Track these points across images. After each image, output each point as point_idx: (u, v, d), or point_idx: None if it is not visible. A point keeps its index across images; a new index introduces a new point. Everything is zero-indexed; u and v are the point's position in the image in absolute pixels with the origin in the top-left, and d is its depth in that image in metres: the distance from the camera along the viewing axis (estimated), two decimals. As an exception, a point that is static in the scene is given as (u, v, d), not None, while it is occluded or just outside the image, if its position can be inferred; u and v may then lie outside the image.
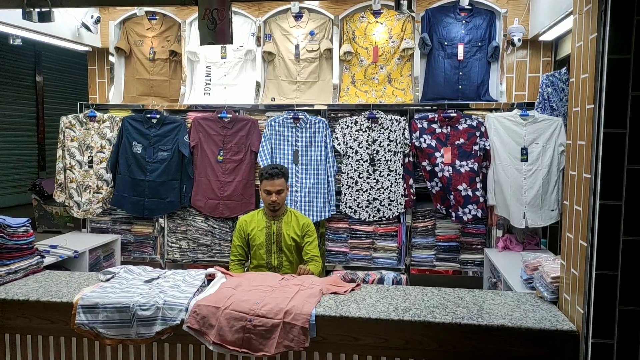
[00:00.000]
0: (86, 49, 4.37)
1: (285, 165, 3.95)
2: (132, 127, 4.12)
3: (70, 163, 4.19)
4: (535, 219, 3.65)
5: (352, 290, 2.59)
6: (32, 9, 2.24)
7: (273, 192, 3.14)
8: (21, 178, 6.78)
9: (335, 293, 2.53)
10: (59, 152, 4.22)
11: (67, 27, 3.96)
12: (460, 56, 3.96)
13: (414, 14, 3.97)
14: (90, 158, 4.17)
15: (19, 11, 2.41)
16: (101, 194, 4.19)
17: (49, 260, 3.33)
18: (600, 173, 1.99)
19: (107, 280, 2.69)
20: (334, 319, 2.26)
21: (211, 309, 2.32)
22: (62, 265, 3.65)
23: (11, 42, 3.70)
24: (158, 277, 2.73)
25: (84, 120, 4.17)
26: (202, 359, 2.40)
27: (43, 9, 2.25)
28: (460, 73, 3.97)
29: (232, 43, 2.18)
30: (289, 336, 2.23)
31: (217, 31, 2.13)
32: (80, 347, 2.48)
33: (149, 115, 4.09)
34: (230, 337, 2.26)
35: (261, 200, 3.28)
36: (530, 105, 3.75)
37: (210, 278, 2.69)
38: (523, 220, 3.67)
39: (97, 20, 4.08)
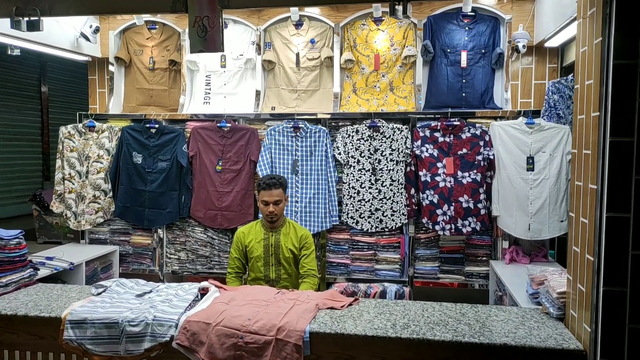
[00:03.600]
0: (86, 58, 4.35)
1: (285, 175, 3.89)
2: (132, 137, 4.08)
3: (69, 173, 4.16)
4: (541, 231, 3.53)
5: (350, 305, 2.49)
6: (20, 18, 2.20)
7: (270, 203, 3.07)
8: (25, 188, 6.76)
9: (332, 308, 2.43)
10: (58, 162, 4.18)
11: (65, 38, 3.94)
12: (464, 63, 3.87)
13: (415, 21, 3.90)
14: (87, 168, 4.13)
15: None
16: (99, 203, 4.15)
17: (43, 272, 3.28)
18: (606, 184, 1.88)
19: (99, 294, 2.62)
20: (329, 335, 2.16)
21: (202, 325, 2.24)
22: (58, 277, 3.60)
23: (9, 52, 3.67)
24: (151, 291, 2.65)
25: (83, 130, 4.14)
26: (193, 377, 2.31)
27: (32, 18, 2.21)
28: (464, 80, 3.88)
29: (223, 51, 2.12)
30: (282, 354, 2.14)
31: (207, 39, 2.08)
32: (69, 363, 2.41)
33: (148, 125, 4.04)
34: (221, 355, 2.17)
35: (260, 211, 3.21)
36: (536, 113, 3.65)
37: (203, 292, 2.61)
38: (528, 232, 3.56)
39: (96, 30, 4.06)
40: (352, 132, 3.83)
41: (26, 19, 2.20)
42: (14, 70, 6.90)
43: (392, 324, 2.22)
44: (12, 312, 2.40)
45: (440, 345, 2.08)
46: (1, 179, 6.81)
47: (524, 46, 3.64)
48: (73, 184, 4.15)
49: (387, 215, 3.82)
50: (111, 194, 4.15)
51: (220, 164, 3.98)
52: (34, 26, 2.21)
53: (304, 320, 2.23)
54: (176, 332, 2.23)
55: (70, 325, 2.31)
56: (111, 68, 4.39)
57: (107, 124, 4.16)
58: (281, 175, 3.57)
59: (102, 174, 4.14)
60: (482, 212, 3.66)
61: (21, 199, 6.71)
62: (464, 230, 3.67)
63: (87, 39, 4.02)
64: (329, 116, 3.91)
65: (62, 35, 3.91)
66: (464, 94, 3.88)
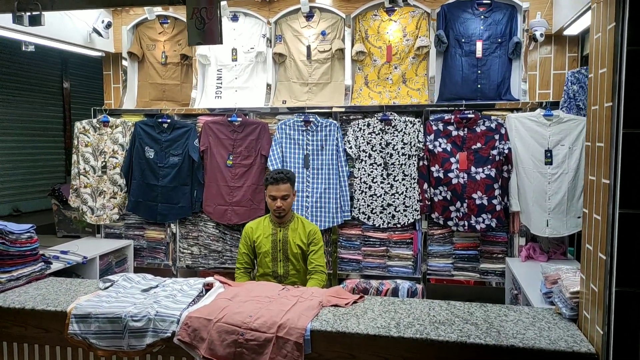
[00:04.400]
0: (99, 54, 4.38)
1: (296, 170, 3.85)
2: (144, 132, 4.10)
3: (84, 168, 4.21)
4: (559, 227, 3.41)
5: (355, 302, 2.44)
6: (22, 13, 2.21)
7: (278, 198, 3.02)
8: (48, 183, 6.92)
9: (336, 305, 2.39)
10: (74, 157, 4.24)
11: (78, 33, 3.98)
12: (479, 53, 3.75)
13: (428, 10, 3.80)
14: (104, 163, 4.17)
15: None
16: (116, 199, 4.19)
17: (57, 266, 3.32)
18: (620, 178, 1.78)
19: (106, 288, 2.63)
20: (330, 334, 2.12)
21: (203, 321, 2.22)
22: (72, 271, 3.65)
23: (24, 48, 3.72)
24: (157, 286, 2.65)
25: (97, 125, 4.18)
26: (196, 373, 2.30)
27: (34, 13, 2.21)
28: (479, 71, 3.76)
29: (221, 43, 2.08)
30: (282, 352, 2.11)
31: (205, 31, 2.04)
32: (75, 357, 2.43)
33: (160, 120, 4.06)
34: (221, 352, 2.15)
35: (268, 206, 3.18)
36: (554, 105, 3.51)
37: (208, 288, 2.60)
38: (546, 229, 3.43)
39: (108, 25, 4.08)
40: (364, 125, 3.76)
41: (28, 13, 2.20)
42: (36, 67, 7.06)
43: (396, 323, 2.16)
44: (20, 306, 2.43)
45: (444, 346, 2.02)
46: (25, 173, 6.99)
47: (541, 35, 3.49)
48: (88, 178, 4.20)
49: (399, 211, 3.74)
50: (127, 189, 4.18)
51: (231, 158, 3.97)
52: (35, 21, 2.22)
53: (305, 317, 2.19)
54: (178, 327, 2.22)
55: (75, 320, 2.32)
56: (124, 63, 4.42)
57: (121, 119, 4.19)
58: (289, 170, 3.53)
59: (118, 169, 4.18)
60: (498, 208, 3.55)
61: (44, 193, 6.88)
62: (478, 227, 3.57)
63: (99, 34, 4.04)
64: (340, 109, 3.84)
65: (75, 31, 3.95)
66: (479, 86, 3.76)
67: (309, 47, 4.06)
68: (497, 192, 3.56)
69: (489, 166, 3.56)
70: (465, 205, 3.57)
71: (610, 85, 1.83)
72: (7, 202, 6.74)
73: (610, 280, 1.83)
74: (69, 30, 3.87)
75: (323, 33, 4.04)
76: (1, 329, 2.47)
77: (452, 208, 3.60)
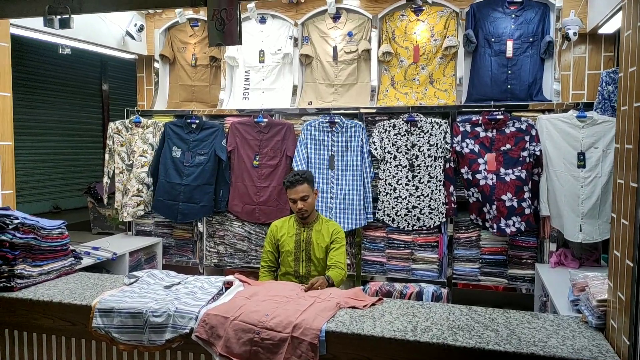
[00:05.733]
0: (132, 56, 4.51)
1: (321, 171, 3.85)
2: (173, 132, 4.19)
3: (120, 167, 4.33)
4: (592, 233, 3.27)
5: (373, 304, 2.41)
6: (53, 16, 2.29)
7: (298, 200, 3.04)
8: (87, 181, 7.16)
9: (353, 307, 2.37)
10: (106, 157, 4.37)
11: (112, 36, 4.10)
12: (509, 53, 3.65)
13: (457, 10, 3.72)
14: (131, 162, 4.28)
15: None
16: (141, 197, 4.29)
17: (87, 261, 3.43)
18: (648, 182, 1.70)
19: (130, 284, 2.70)
20: (346, 336, 2.10)
21: (220, 318, 2.25)
22: (102, 266, 3.76)
23: (60, 51, 3.87)
24: (179, 283, 2.70)
25: (130, 126, 4.30)
26: (213, 370, 2.33)
27: (64, 16, 2.30)
28: (509, 72, 3.66)
29: (240, 44, 2.10)
30: (297, 352, 2.11)
31: (225, 32, 2.07)
32: (99, 350, 2.50)
33: (189, 121, 4.14)
34: (237, 350, 2.17)
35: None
36: (588, 106, 3.38)
37: (228, 286, 2.62)
38: (579, 234, 3.30)
39: (141, 29, 4.19)
40: (389, 126, 3.73)
41: (58, 17, 2.29)
42: (76, 70, 7.34)
43: (413, 327, 2.12)
44: (49, 299, 2.53)
45: (461, 352, 1.97)
46: (65, 172, 7.27)
47: (575, 33, 3.37)
48: (123, 177, 4.32)
49: (424, 214, 3.68)
50: (153, 188, 4.28)
51: (257, 159, 4.00)
52: (65, 24, 2.30)
53: (321, 318, 2.18)
54: (196, 324, 2.26)
55: (99, 314, 2.39)
56: (156, 65, 4.53)
57: (152, 120, 4.30)
58: (306, 170, 3.53)
59: (145, 167, 4.28)
60: (527, 211, 3.45)
61: (82, 191, 7.14)
62: (508, 231, 3.47)
63: (132, 37, 4.16)
64: (366, 111, 3.82)
65: (109, 34, 4.08)
66: (509, 86, 3.66)
67: (335, 48, 4.06)
68: (526, 195, 3.45)
69: (519, 168, 3.45)
70: (494, 207, 3.48)
71: (640, 84, 1.75)
72: (47, 200, 7.03)
73: (638, 288, 1.75)
74: (104, 34, 4.01)
75: (350, 34, 4.02)
76: (31, 321, 2.57)
77: (484, 209, 3.52)
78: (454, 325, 2.15)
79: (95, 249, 3.73)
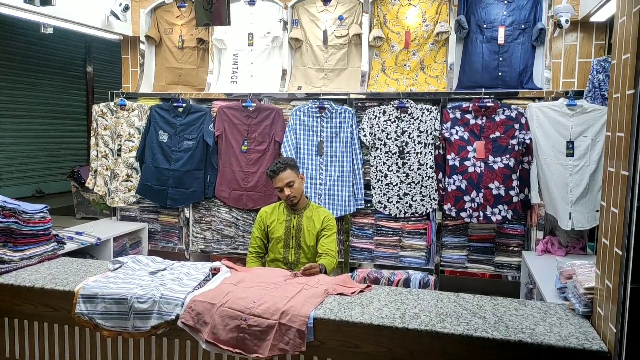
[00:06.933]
0: (117, 37, 4.39)
1: (310, 157, 3.81)
2: (160, 115, 4.11)
3: (104, 151, 4.25)
4: (582, 220, 3.29)
5: (362, 291, 2.40)
6: (33, -7, 2.21)
7: (284, 187, 3.01)
8: (70, 165, 7.05)
9: (341, 294, 2.35)
10: (92, 140, 4.29)
11: (96, 16, 3.98)
12: (501, 40, 3.62)
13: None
14: (119, 146, 4.20)
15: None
16: (131, 182, 4.22)
17: (71, 246, 3.36)
18: (639, 170, 1.69)
19: (115, 269, 2.65)
20: (334, 322, 2.08)
21: (207, 305, 2.22)
22: (87, 252, 3.69)
23: (42, 31, 3.75)
24: (165, 269, 2.66)
25: (115, 108, 4.21)
26: (200, 356, 2.30)
27: (44, -7, 2.21)
28: (501, 59, 3.64)
29: (229, 24, 2.04)
30: (285, 339, 2.09)
31: (213, 12, 2.01)
32: (82, 336, 2.46)
33: (175, 104, 4.06)
34: (223, 336, 2.15)
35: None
36: (578, 94, 3.37)
37: (215, 272, 2.59)
38: (569, 222, 3.32)
39: (126, 8, 4.08)
40: (379, 113, 3.69)
41: (39, -6, 2.20)
42: (59, 51, 7.17)
43: (402, 314, 2.12)
44: (30, 284, 2.47)
45: (449, 339, 1.97)
46: (48, 156, 7.14)
47: (567, 21, 3.35)
48: (107, 161, 4.24)
49: (416, 200, 3.67)
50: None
51: (246, 144, 3.95)
52: (47, 1, 2.21)
53: (309, 305, 2.16)
54: (182, 310, 2.22)
55: (82, 299, 2.35)
56: (142, 47, 4.42)
57: (137, 103, 4.21)
58: (287, 157, 3.50)
59: (134, 152, 4.20)
60: (515, 199, 3.45)
61: (66, 175, 7.02)
62: (494, 219, 3.47)
63: (117, 17, 4.05)
64: (356, 96, 3.77)
65: (93, 13, 3.95)
66: (500, 73, 3.64)
67: (325, 32, 3.99)
68: (514, 183, 3.45)
69: (508, 156, 3.45)
70: (481, 195, 3.48)
71: (633, 71, 1.73)
72: (31, 184, 6.90)
73: (626, 276, 1.75)
74: (87, 13, 3.88)
75: (340, 18, 3.96)
76: (13, 307, 2.52)
77: (466, 198, 3.51)
78: (442, 312, 2.15)
79: (79, 233, 3.66)
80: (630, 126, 1.72)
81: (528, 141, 3.42)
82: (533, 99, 3.50)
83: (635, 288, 1.72)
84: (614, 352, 1.80)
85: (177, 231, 4.27)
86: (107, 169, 4.26)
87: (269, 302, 2.18)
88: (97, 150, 4.26)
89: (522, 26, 3.61)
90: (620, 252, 1.78)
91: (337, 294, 2.34)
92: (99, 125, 4.24)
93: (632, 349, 1.74)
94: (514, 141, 3.44)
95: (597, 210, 3.24)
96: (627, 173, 1.75)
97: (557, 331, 1.97)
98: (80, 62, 7.67)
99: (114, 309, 2.31)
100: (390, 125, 3.67)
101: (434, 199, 3.65)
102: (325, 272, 2.80)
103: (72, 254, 3.29)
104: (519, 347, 1.90)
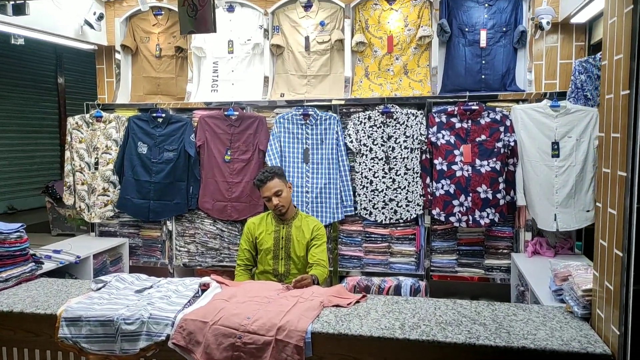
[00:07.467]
0: (91, 47, 4.25)
1: (296, 165, 3.75)
2: (138, 127, 3.99)
3: (79, 165, 4.10)
4: (568, 221, 3.31)
5: (357, 302, 2.35)
6: (6, 2, 2.09)
7: (272, 197, 2.94)
8: (43, 180, 6.82)
9: (337, 306, 2.29)
10: (67, 153, 4.13)
11: (69, 25, 3.85)
12: (483, 43, 3.63)
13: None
14: (97, 160, 4.05)
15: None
16: (108, 196, 4.08)
17: (49, 266, 3.22)
18: (638, 171, 1.68)
19: (98, 289, 2.54)
20: (332, 336, 2.02)
21: (198, 323, 2.13)
22: (66, 270, 3.55)
23: (12, 41, 3.60)
24: (151, 287, 2.56)
25: (90, 121, 4.07)
26: (192, 378, 2.20)
27: (18, 1, 2.10)
28: (483, 61, 3.65)
29: (215, 31, 1.97)
30: (282, 355, 2.01)
31: (198, 18, 1.93)
32: (66, 361, 2.34)
33: (154, 115, 3.94)
34: (217, 356, 2.06)
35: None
36: (561, 95, 3.40)
37: (204, 288, 2.50)
38: (554, 223, 3.33)
39: (100, 17, 3.95)
40: (364, 118, 3.65)
41: (12, 2, 2.09)
42: (30, 63, 6.94)
43: (401, 324, 2.07)
44: (8, 309, 2.34)
45: (452, 348, 1.93)
46: (20, 171, 6.88)
47: (548, 23, 3.38)
48: (84, 175, 4.09)
49: (401, 206, 3.64)
50: (120, 186, 4.07)
51: (229, 153, 3.86)
52: (20, 10, 2.11)
53: (305, 319, 2.09)
54: (172, 331, 2.13)
55: (65, 323, 2.23)
56: (117, 56, 4.29)
57: (114, 114, 4.07)
58: (274, 165, 3.43)
59: (111, 165, 4.06)
60: (502, 202, 3.45)
61: (39, 190, 6.77)
62: (482, 222, 3.46)
63: (91, 26, 3.92)
64: (340, 102, 3.73)
65: (66, 23, 3.81)
66: (483, 76, 3.65)
67: (307, 38, 3.94)
68: (501, 186, 3.45)
69: (494, 159, 3.45)
70: (469, 199, 3.47)
71: (627, 72, 1.72)
72: (2, 200, 6.64)
73: (628, 277, 1.74)
74: (60, 22, 3.74)
75: (322, 23, 3.91)
76: (-11, 333, 2.38)
77: (455, 202, 3.50)
78: (442, 320, 2.11)
79: (57, 252, 3.51)
80: (627, 126, 1.72)
81: (513, 143, 3.42)
82: (517, 101, 3.51)
83: (638, 290, 1.71)
84: (617, 355, 1.78)
85: (160, 245, 4.14)
86: (83, 184, 4.10)
87: (264, 317, 2.11)
88: (72, 165, 4.11)
89: (504, 29, 3.63)
90: (620, 254, 1.77)
91: (333, 306, 2.29)
92: (73, 138, 4.09)
93: (636, 350, 1.72)
94: (499, 144, 3.44)
95: (588, 211, 3.26)
96: (625, 174, 1.74)
97: (558, 335, 1.95)
98: (51, 74, 7.44)
99: (99, 332, 2.20)
100: (376, 131, 3.63)
101: (418, 204, 3.62)
102: (317, 283, 2.74)
103: (50, 273, 3.15)
104: (522, 353, 1.87)
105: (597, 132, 3.23)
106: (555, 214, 3.35)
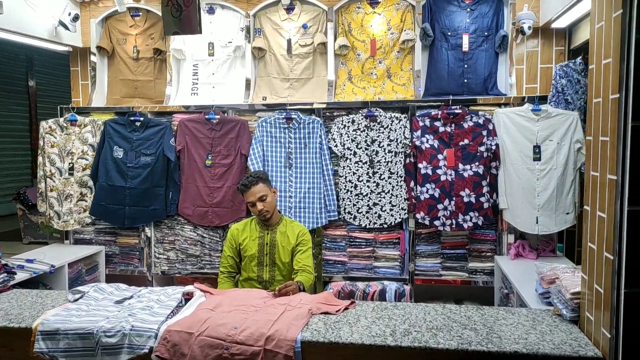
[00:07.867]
0: (66, 49, 4.12)
1: (278, 169, 3.69)
2: (115, 130, 3.87)
3: (50, 170, 3.94)
4: (549, 224, 3.34)
5: (346, 308, 2.30)
6: (-24, 0, 1.99)
7: (256, 202, 2.88)
8: (14, 186, 6.55)
9: (326, 313, 2.24)
10: (40, 159, 3.98)
11: (43, 26, 3.71)
12: (465, 47, 3.65)
13: (413, 3, 3.68)
14: (72, 165, 3.91)
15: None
16: (86, 201, 3.94)
17: (22, 276, 3.08)
18: (628, 174, 1.69)
19: (75, 300, 2.43)
20: (323, 345, 1.98)
21: (183, 334, 2.05)
22: (39, 280, 3.40)
23: (-18, 42, 3.45)
24: (131, 297, 2.47)
25: (65, 124, 3.93)
26: (176, 391, 2.12)
27: (-11, 0, 2.00)
28: (465, 65, 3.67)
29: (200, 32, 1.91)
30: (271, 366, 1.95)
31: (182, 19, 1.87)
32: (42, 377, 2.22)
33: (132, 118, 3.83)
34: (204, 368, 1.99)
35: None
36: (542, 99, 3.44)
37: (188, 297, 2.42)
38: (536, 226, 3.36)
39: (75, 18, 3.83)
40: (348, 122, 3.62)
41: (-17, 1, 1.98)
42: (0, 65, 6.69)
43: (392, 331, 2.03)
44: (-21, 323, 2.22)
45: (445, 354, 1.90)
46: (-12, 177, 6.61)
47: (529, 27, 3.41)
48: (54, 181, 3.94)
49: (385, 210, 3.62)
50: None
51: (210, 158, 3.78)
52: (-8, 9, 2.00)
53: (295, 328, 2.04)
54: (156, 343, 2.05)
55: (41, 337, 2.13)
56: (93, 59, 4.17)
57: (90, 118, 3.95)
58: (258, 170, 3.38)
59: (87, 170, 3.93)
60: (485, 205, 3.46)
61: (9, 197, 6.52)
62: (465, 226, 3.47)
63: (66, 27, 3.79)
64: (323, 106, 3.69)
65: (40, 23, 3.68)
66: (465, 80, 3.67)
67: (289, 41, 3.90)
68: (485, 190, 3.47)
69: (477, 163, 3.46)
70: (453, 203, 3.47)
71: (617, 76, 1.73)
72: (-32, 208, 6.36)
73: (619, 281, 1.74)
74: (33, 23, 3.61)
75: (304, 26, 3.88)
76: (-41, 349, 2.25)
77: (439, 206, 3.50)
78: (432, 326, 2.09)
79: (30, 261, 3.36)
80: (617, 130, 1.72)
81: (495, 147, 3.44)
82: (498, 105, 3.53)
83: (629, 292, 1.71)
84: (609, 357, 1.78)
85: (138, 252, 4.01)
86: (52, 190, 3.94)
87: (251, 327, 2.05)
88: (43, 170, 3.96)
89: (485, 33, 3.66)
90: (611, 257, 1.77)
91: (322, 313, 2.24)
92: (46, 142, 3.94)
93: (628, 353, 1.73)
94: (482, 148, 3.46)
95: (568, 213, 3.30)
96: (615, 177, 1.74)
97: (549, 339, 1.95)
98: (21, 77, 7.18)
99: (78, 345, 2.10)
100: (360, 135, 3.61)
101: (403, 208, 3.61)
102: (303, 290, 2.69)
103: (23, 284, 3.02)
104: (515, 357, 1.86)
105: (578, 135, 3.29)
106: (537, 217, 3.37)
